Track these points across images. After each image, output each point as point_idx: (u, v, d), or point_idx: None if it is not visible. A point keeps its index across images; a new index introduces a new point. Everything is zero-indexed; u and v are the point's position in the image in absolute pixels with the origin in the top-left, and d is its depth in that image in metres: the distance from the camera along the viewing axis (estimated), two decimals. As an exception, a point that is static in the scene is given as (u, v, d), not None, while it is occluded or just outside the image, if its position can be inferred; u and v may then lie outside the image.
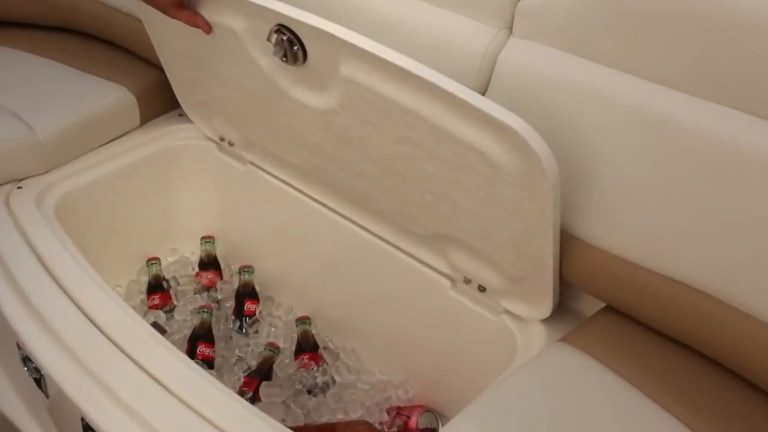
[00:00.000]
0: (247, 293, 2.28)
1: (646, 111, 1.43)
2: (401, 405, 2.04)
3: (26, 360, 1.63)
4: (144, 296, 2.27)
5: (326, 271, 2.18)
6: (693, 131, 1.39)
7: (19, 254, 1.76)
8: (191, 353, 2.06)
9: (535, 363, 1.57)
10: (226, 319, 2.26)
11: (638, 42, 1.43)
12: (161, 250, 2.39)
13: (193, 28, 1.79)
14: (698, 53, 1.36)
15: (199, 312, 2.15)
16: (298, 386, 2.05)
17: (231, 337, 2.21)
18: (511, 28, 1.63)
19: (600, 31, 1.47)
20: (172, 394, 1.48)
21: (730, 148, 1.36)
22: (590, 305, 1.71)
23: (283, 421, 1.94)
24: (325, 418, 1.99)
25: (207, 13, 1.76)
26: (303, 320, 2.21)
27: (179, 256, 2.44)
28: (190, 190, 2.36)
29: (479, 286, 1.78)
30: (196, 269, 2.40)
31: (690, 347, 1.55)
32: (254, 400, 1.99)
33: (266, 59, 1.74)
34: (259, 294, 2.31)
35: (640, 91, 1.44)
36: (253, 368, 2.09)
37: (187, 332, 2.14)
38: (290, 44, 1.61)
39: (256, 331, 2.24)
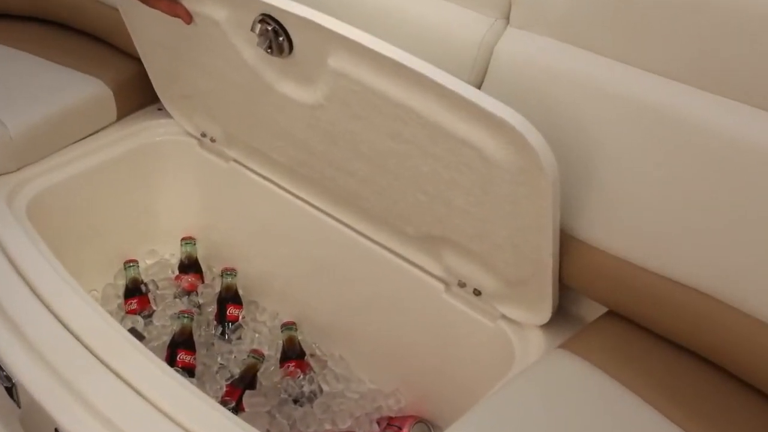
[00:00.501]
0: (229, 297, 2.28)
1: (648, 104, 1.43)
2: (392, 415, 2.04)
3: (-4, 368, 1.62)
4: (121, 301, 2.27)
5: (313, 274, 2.18)
6: (697, 125, 1.39)
7: (-11, 256, 1.76)
8: (171, 361, 2.06)
9: (533, 371, 1.58)
10: (208, 325, 2.26)
11: (640, 32, 1.43)
12: (139, 252, 2.39)
13: (173, 18, 1.78)
14: (702, 44, 1.37)
15: (179, 317, 2.15)
16: (284, 395, 2.05)
17: (213, 344, 2.21)
18: (508, 18, 1.63)
19: (601, 21, 1.47)
20: (151, 403, 1.48)
21: (735, 143, 1.36)
22: (591, 310, 1.71)
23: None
24: (312, 429, 1.99)
25: (187, 2, 1.75)
26: (288, 326, 2.20)
27: (158, 258, 2.44)
28: (169, 188, 2.36)
29: (474, 289, 1.78)
30: (176, 272, 2.40)
31: (695, 353, 1.55)
32: (237, 410, 1.99)
33: (250, 51, 1.73)
34: (242, 298, 2.30)
35: (642, 84, 1.44)
36: (236, 376, 2.08)
37: (167, 338, 2.14)
38: (275, 35, 1.60)
39: (240, 338, 2.24)
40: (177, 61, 2.02)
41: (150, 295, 2.29)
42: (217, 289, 2.32)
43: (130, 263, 2.30)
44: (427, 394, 2.02)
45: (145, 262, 2.41)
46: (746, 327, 1.43)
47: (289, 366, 2.12)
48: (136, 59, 2.19)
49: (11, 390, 1.62)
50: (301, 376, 2.09)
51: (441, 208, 1.66)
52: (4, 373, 1.59)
